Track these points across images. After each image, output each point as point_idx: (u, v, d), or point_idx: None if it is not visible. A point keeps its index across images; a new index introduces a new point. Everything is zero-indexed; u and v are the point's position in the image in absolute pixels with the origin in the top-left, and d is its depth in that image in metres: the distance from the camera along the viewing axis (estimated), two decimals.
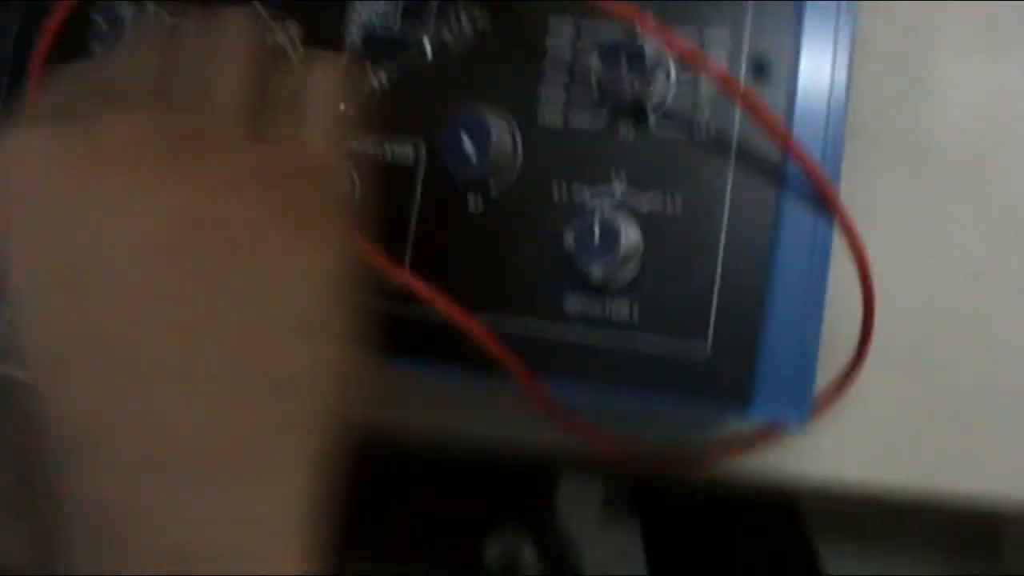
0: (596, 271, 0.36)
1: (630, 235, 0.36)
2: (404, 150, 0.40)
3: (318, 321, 0.30)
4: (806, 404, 0.36)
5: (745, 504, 0.69)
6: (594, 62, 0.37)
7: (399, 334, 0.39)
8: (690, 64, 0.35)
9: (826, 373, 0.40)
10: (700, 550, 0.72)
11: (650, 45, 0.36)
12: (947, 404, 0.45)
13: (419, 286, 0.35)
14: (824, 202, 0.36)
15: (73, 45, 0.42)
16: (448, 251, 0.39)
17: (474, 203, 0.39)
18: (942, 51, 0.46)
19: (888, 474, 0.45)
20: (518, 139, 0.39)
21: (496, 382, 0.38)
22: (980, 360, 0.45)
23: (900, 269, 0.44)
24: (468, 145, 0.37)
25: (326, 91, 0.33)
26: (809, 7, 0.37)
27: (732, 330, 0.36)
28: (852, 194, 0.37)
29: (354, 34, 0.42)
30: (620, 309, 0.38)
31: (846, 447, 0.45)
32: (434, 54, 0.41)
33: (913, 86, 0.46)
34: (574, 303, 0.38)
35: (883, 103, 0.46)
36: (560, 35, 0.39)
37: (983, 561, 1.09)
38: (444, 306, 0.35)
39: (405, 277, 0.35)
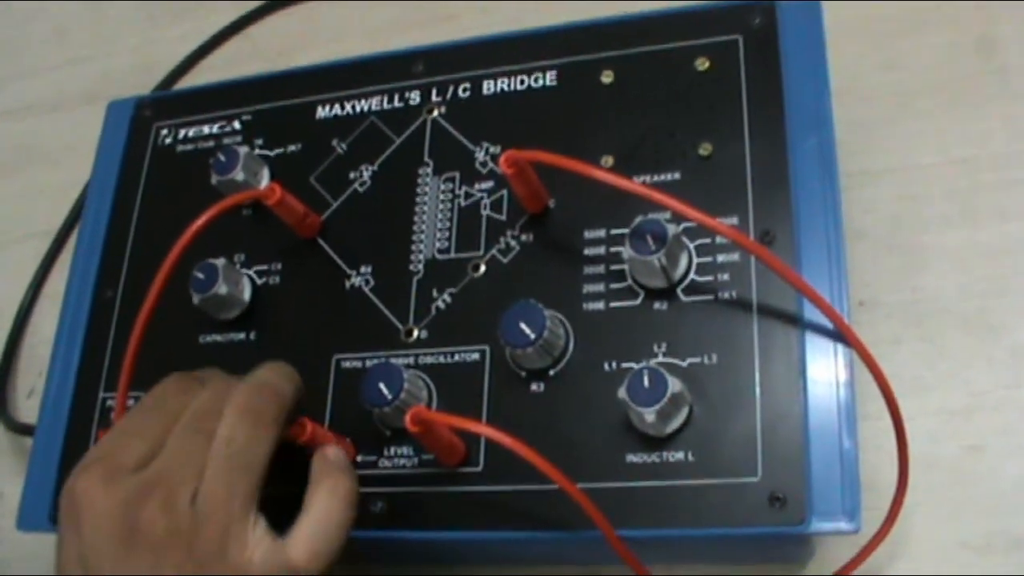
0: (650, 415, 0.40)
1: (675, 384, 0.41)
2: (471, 352, 0.47)
3: None
4: (858, 512, 0.39)
5: None
6: (627, 251, 0.44)
7: (474, 510, 0.44)
8: (739, 244, 0.43)
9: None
10: None
11: (671, 230, 0.43)
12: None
13: (527, 452, 0.39)
14: (840, 333, 0.41)
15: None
16: (519, 429, 0.44)
17: (536, 385, 0.45)
18: (928, 226, 0.53)
19: None
20: (568, 327, 0.45)
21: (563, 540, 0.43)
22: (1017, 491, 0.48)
23: (926, 417, 0.49)
24: (526, 332, 0.43)
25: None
26: (798, 188, 0.45)
27: (779, 460, 0.41)
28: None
29: (419, 264, 0.49)
30: (676, 457, 0.42)
31: None
32: (487, 271, 0.48)
33: (907, 258, 0.52)
34: (635, 458, 0.42)
35: (884, 276, 0.52)
36: (595, 240, 0.47)
37: None
38: (550, 471, 0.39)
39: (521, 449, 0.39)
